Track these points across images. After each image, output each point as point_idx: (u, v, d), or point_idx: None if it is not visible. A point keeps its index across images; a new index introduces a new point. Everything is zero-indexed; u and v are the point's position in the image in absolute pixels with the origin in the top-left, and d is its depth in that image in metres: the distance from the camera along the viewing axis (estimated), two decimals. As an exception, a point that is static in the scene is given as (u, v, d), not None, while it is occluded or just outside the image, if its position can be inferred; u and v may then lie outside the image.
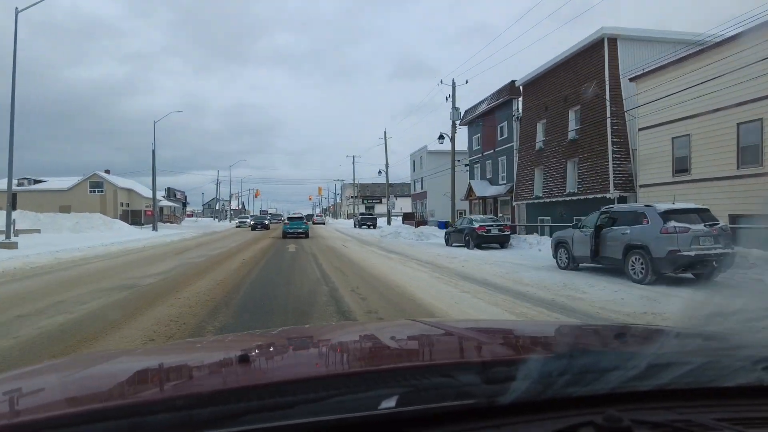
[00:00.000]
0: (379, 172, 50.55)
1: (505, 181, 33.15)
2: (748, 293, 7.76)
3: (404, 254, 17.84)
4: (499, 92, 33.22)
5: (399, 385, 0.89)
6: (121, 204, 53.57)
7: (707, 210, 10.31)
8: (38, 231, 31.35)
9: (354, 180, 69.53)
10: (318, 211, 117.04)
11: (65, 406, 0.94)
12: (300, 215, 33.55)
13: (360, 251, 19.39)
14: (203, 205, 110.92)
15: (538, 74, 26.78)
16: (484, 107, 35.45)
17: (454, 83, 31.87)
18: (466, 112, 37.20)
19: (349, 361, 1.37)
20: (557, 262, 12.95)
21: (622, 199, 20.51)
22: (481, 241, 20.01)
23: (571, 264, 12.32)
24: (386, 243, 24.32)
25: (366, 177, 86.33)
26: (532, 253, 17.69)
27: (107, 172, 56.08)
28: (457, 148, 33.01)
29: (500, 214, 32.35)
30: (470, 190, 36.32)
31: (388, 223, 48.37)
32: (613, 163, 20.60)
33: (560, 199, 24.28)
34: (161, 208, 57.04)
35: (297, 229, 29.64)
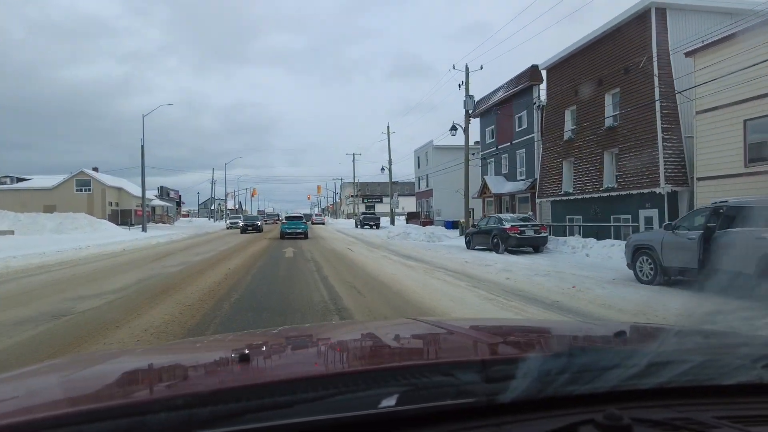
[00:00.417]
0: (382, 169, 47.62)
1: (524, 177, 30.23)
2: None
3: (424, 260, 14.98)
4: (518, 78, 30.27)
5: (399, 384, 0.89)
6: (110, 203, 50.21)
7: None
8: (12, 233, 28.70)
9: (354, 178, 66.82)
10: (317, 210, 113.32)
11: (65, 406, 0.94)
12: (299, 215, 31.44)
13: (370, 257, 16.51)
14: (199, 205, 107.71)
15: (565, 56, 23.84)
16: (499, 96, 32.48)
17: (467, 69, 29.04)
18: (478, 102, 34.08)
19: (348, 360, 1.36)
20: (637, 274, 9.97)
21: (673, 195, 17.62)
22: (514, 244, 17.13)
23: (659, 277, 9.34)
24: (396, 245, 21.51)
25: (366, 175, 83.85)
26: (578, 260, 14.80)
27: (95, 170, 53.02)
28: (469, 141, 30.13)
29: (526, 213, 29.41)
30: (484, 186, 33.38)
31: (392, 222, 45.27)
32: (664, 153, 17.68)
33: (595, 195, 21.36)
34: (153, 208, 54.42)
35: (295, 229, 27.24)
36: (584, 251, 15.55)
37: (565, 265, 13.41)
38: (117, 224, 39.66)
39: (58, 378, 1.22)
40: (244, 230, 36.71)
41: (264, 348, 1.57)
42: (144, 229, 36.12)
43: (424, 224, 37.97)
